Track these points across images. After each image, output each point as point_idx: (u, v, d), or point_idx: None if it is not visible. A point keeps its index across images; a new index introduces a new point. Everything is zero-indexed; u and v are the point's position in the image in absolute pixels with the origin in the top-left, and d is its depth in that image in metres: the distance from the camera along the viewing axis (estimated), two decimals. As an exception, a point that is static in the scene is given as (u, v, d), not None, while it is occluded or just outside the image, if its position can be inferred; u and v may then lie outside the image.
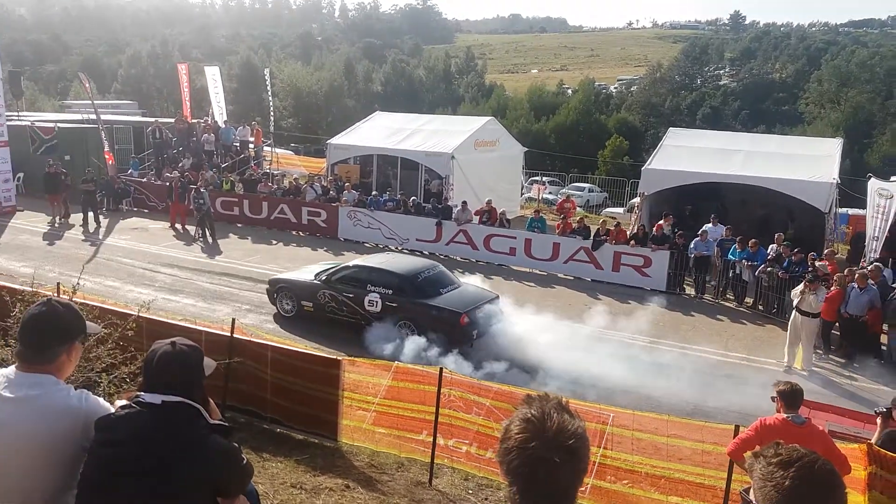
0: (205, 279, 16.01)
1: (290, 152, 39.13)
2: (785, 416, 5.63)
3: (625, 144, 53.52)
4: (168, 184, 22.32)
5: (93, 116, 25.87)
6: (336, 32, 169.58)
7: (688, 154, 20.23)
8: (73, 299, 6.65)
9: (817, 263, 14.22)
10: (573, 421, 1.78)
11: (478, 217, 19.62)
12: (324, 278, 13.21)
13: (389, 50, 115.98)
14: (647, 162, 20.35)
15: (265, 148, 31.10)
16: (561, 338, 11.95)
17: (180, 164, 25.99)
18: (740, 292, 16.18)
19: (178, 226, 21.32)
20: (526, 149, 28.15)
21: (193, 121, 30.03)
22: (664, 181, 19.33)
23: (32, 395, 2.56)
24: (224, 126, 29.32)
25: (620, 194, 31.66)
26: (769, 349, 13.21)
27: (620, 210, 28.47)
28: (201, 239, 19.96)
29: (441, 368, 7.82)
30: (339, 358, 8.63)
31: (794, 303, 12.39)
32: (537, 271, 18.26)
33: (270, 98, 35.63)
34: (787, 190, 17.83)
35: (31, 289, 7.57)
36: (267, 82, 34.53)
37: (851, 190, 19.33)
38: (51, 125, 26.23)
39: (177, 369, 2.58)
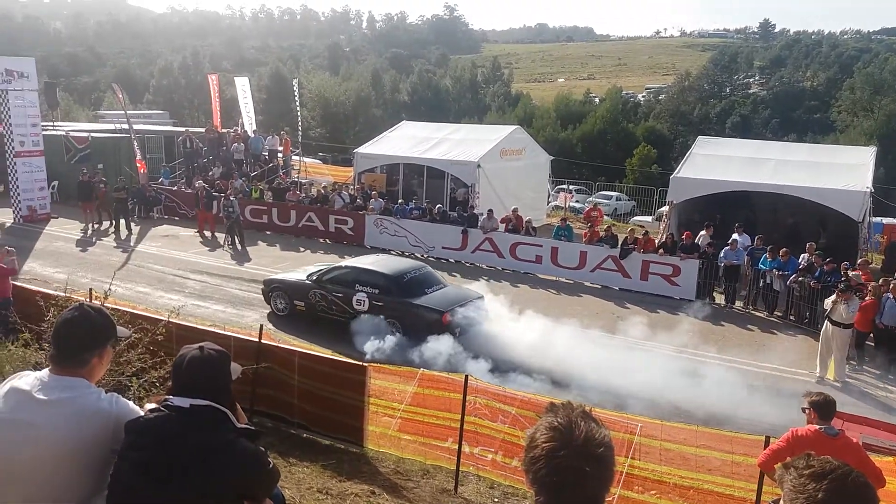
0: (234, 285, 16.17)
1: (318, 161, 39.43)
2: (817, 427, 5.51)
3: (653, 153, 53.06)
4: (195, 192, 22.70)
5: (125, 126, 26.37)
6: (363, 43, 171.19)
7: (717, 162, 20.01)
8: (105, 304, 6.75)
9: (850, 273, 13.96)
10: (600, 429, 1.77)
11: (503, 225, 19.59)
12: (315, 278, 13.66)
13: (416, 60, 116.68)
14: (676, 170, 20.17)
15: (293, 157, 31.39)
16: (585, 345, 11.86)
17: (210, 173, 26.35)
18: (771, 302, 15.93)
19: (206, 233, 21.62)
20: (552, 157, 28.10)
21: (223, 130, 30.43)
22: (693, 190, 19.13)
23: (65, 398, 2.60)
24: (253, 135, 29.68)
25: (649, 203, 31.39)
26: (801, 360, 12.97)
27: (649, 219, 28.24)
28: (230, 246, 20.18)
29: (466, 376, 7.81)
30: (365, 364, 8.66)
31: (827, 313, 12.18)
32: (564, 279, 18.16)
33: (299, 108, 35.92)
34: (819, 199, 17.54)
35: (64, 294, 7.72)
36: (295, 93, 34.86)
37: (885, 199, 18.96)
38: (85, 135, 26.76)
39: (205, 373, 2.60)
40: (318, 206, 22.50)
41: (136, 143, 24.77)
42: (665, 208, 20.78)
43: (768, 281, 15.83)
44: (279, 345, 8.95)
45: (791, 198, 18.06)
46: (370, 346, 11.60)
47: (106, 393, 2.73)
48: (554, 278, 18.24)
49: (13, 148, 22.47)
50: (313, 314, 13.52)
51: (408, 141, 25.02)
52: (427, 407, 8.41)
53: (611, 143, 57.83)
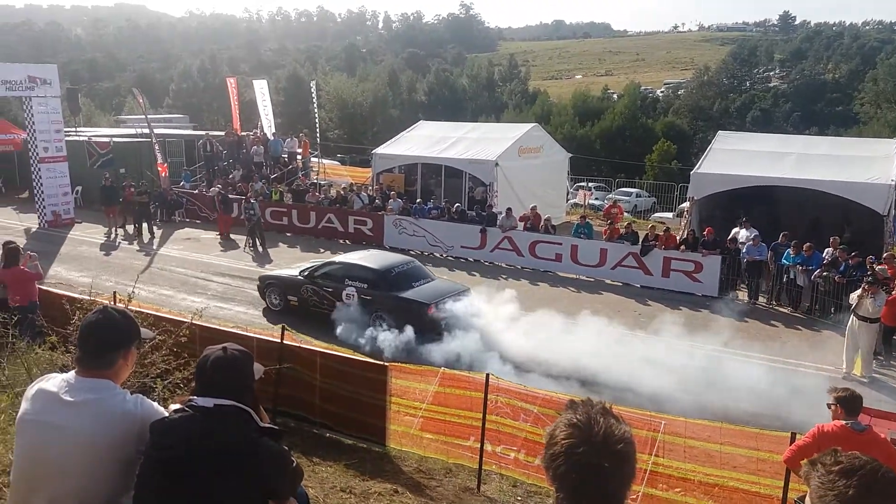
0: (255, 287, 16.25)
1: (337, 162, 39.58)
2: (844, 422, 5.43)
3: (672, 149, 52.65)
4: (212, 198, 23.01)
5: (146, 130, 26.64)
6: (380, 44, 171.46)
7: (738, 157, 19.80)
8: (129, 307, 6.83)
9: (877, 267, 13.75)
10: (619, 425, 1.76)
11: (522, 223, 19.54)
12: (306, 274, 14.09)
13: (433, 59, 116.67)
14: (696, 166, 19.99)
15: (312, 159, 31.56)
16: (607, 342, 11.80)
17: (230, 176, 26.59)
18: (795, 297, 15.76)
19: (230, 235, 21.79)
20: (571, 154, 27.95)
21: (243, 133, 30.69)
22: (714, 185, 18.95)
23: (91, 400, 2.64)
24: (273, 138, 29.91)
25: (669, 199, 31.18)
26: (826, 355, 12.80)
27: (669, 215, 28.03)
28: (252, 248, 20.32)
29: (487, 375, 7.80)
30: (386, 364, 8.68)
31: (852, 307, 12.01)
32: (584, 277, 18.08)
33: (316, 110, 36.09)
34: (842, 192, 17.29)
35: (89, 297, 7.81)
36: (313, 94, 35.02)
37: (911, 191, 18.62)
38: (106, 140, 27.11)
39: (228, 373, 2.63)
40: (338, 207, 22.61)
41: (156, 147, 25.02)
42: (686, 204, 20.61)
43: (792, 276, 15.67)
44: (301, 345, 9.00)
45: (814, 192, 17.81)
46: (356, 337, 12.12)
47: (131, 394, 2.76)
48: (574, 276, 18.16)
49: (37, 154, 22.82)
50: (306, 309, 13.92)
51: (425, 141, 25.04)
52: (448, 406, 8.41)
53: (630, 139, 57.44)
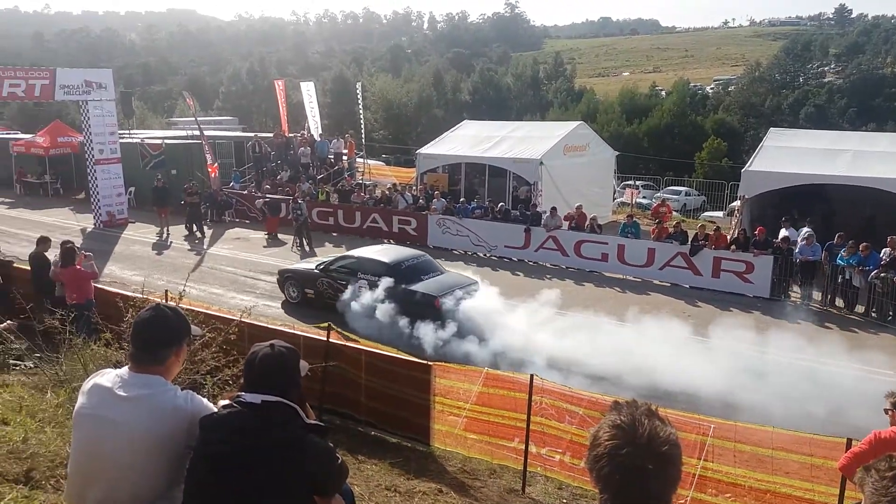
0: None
1: (382, 163, 39.88)
2: (903, 429, 5.24)
3: (723, 146, 51.51)
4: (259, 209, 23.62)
5: (197, 132, 27.24)
6: (425, 44, 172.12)
7: (790, 155, 19.30)
8: (180, 305, 6.99)
9: (937, 268, 13.26)
10: (664, 427, 1.73)
11: (567, 223, 19.37)
12: (322, 268, 14.55)
13: (477, 59, 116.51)
14: (748, 164, 19.55)
15: (358, 159, 31.85)
16: (657, 343, 11.61)
17: (279, 177, 27.02)
18: (851, 299, 15.27)
19: (278, 235, 22.14)
20: (617, 152, 27.59)
21: (290, 135, 31.14)
22: (766, 183, 18.52)
23: (143, 395, 2.70)
24: (319, 139, 30.29)
25: (719, 197, 30.51)
26: (884, 359, 12.35)
27: (720, 214, 27.45)
28: (299, 248, 20.60)
29: (532, 376, 7.75)
30: (430, 363, 8.70)
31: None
32: (631, 278, 17.84)
33: (362, 111, 36.38)
34: (901, 190, 16.72)
35: (141, 296, 8.00)
36: (359, 95, 35.33)
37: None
38: (159, 141, 27.79)
39: (276, 370, 2.66)
40: (382, 207, 22.78)
41: (207, 149, 25.53)
42: (737, 203, 20.16)
43: (847, 277, 15.19)
44: (347, 343, 9.08)
45: (870, 190, 17.27)
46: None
47: (182, 390, 2.82)
48: (621, 276, 17.93)
49: (93, 156, 23.55)
50: (322, 301, 14.28)
51: (469, 140, 25.03)
52: (492, 406, 8.39)
53: (678, 136, 56.40)
